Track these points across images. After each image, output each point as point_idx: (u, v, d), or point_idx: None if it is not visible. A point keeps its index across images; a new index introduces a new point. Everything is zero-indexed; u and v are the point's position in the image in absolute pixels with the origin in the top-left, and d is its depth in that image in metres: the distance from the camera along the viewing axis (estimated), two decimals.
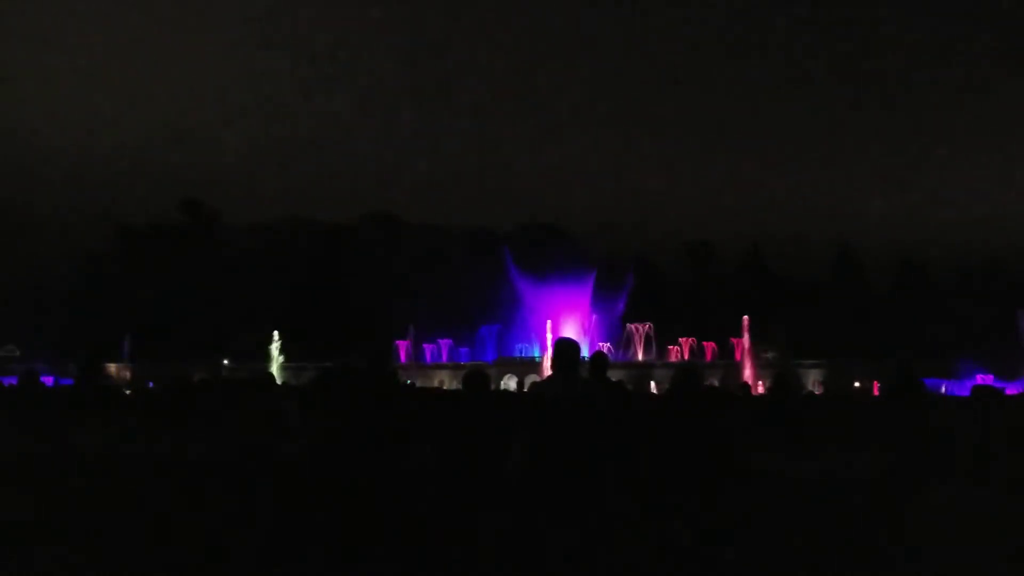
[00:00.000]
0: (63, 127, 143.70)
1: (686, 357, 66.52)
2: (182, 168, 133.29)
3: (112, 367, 68.51)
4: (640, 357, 68.10)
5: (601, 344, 66.93)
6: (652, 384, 49.32)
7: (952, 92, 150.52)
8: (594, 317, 71.22)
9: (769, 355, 67.80)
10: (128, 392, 24.84)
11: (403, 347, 71.24)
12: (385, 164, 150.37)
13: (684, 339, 68.10)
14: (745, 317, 64.45)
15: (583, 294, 73.70)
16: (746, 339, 63.63)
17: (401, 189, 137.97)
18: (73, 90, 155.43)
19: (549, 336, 65.19)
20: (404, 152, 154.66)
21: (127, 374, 66.18)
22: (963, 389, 45.68)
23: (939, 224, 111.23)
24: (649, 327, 69.01)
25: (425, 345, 71.84)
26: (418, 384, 45.07)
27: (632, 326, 69.98)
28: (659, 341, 68.70)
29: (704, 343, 67.46)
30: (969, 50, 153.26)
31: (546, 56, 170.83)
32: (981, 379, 58.88)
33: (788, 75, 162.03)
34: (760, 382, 54.76)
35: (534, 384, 7.95)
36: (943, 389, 47.72)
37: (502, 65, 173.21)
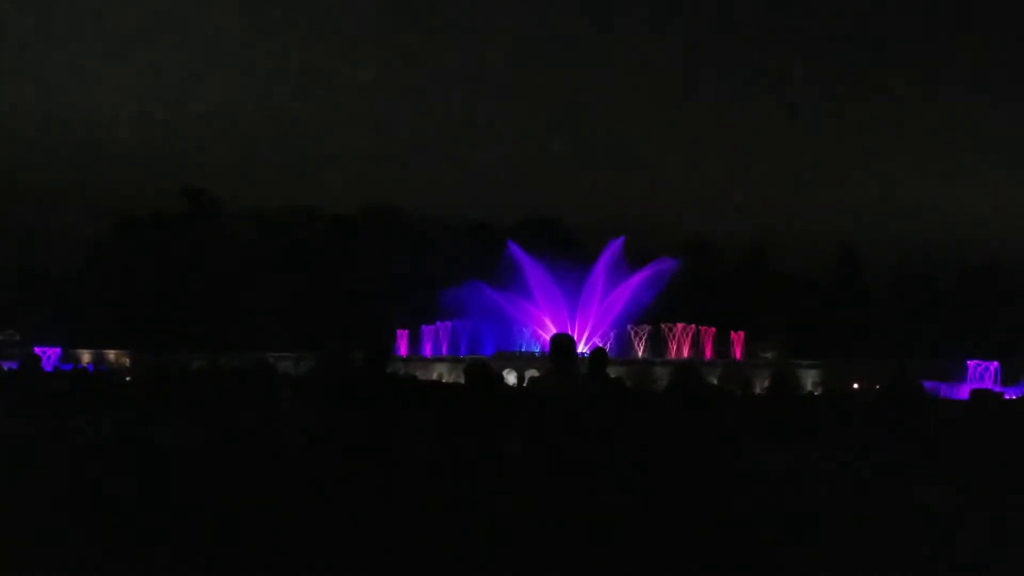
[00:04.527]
0: (63, 113, 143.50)
1: (685, 354, 66.58)
2: (184, 155, 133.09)
3: (111, 354, 68.62)
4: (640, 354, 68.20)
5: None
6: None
7: (953, 93, 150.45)
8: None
9: (768, 355, 67.93)
10: (128, 379, 24.90)
11: (402, 339, 71.33)
12: (387, 155, 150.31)
13: (685, 326, 68.37)
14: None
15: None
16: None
17: (403, 180, 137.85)
18: (74, 76, 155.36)
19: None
20: (406, 143, 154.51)
21: (126, 361, 66.30)
22: (961, 392, 45.74)
23: (940, 225, 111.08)
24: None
25: (424, 328, 71.80)
26: (418, 377, 45.04)
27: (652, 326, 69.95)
28: (658, 338, 68.93)
29: (702, 328, 67.73)
30: (969, 54, 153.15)
31: (548, 52, 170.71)
32: (973, 365, 59.38)
33: (789, 73, 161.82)
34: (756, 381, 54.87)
35: (532, 379, 7.99)
36: (940, 392, 47.77)
37: (503, 61, 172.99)
